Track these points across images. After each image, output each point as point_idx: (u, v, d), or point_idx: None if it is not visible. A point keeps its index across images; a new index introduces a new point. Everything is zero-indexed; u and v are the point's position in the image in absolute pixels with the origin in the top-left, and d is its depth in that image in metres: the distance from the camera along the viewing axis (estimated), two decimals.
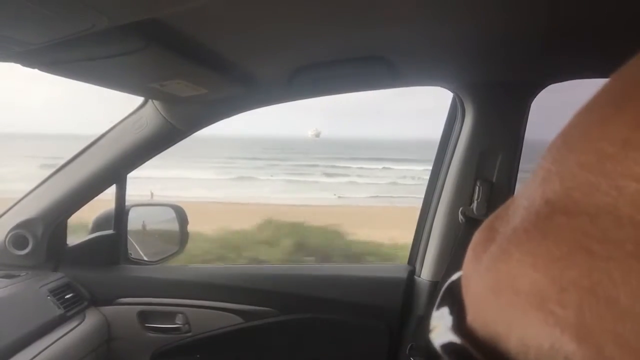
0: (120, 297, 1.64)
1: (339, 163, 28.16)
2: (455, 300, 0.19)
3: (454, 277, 0.21)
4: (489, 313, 0.17)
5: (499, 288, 0.16)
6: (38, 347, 1.27)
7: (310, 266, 1.85)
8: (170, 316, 1.64)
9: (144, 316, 1.64)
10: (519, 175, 1.59)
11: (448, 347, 0.18)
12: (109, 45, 0.88)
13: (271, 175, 24.18)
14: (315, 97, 1.59)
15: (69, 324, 1.44)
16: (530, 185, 0.18)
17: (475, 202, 1.55)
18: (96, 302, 1.61)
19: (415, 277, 1.67)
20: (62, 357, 1.33)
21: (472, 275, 0.19)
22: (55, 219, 1.57)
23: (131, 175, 1.64)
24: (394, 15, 0.94)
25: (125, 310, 1.63)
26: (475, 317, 0.17)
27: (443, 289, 0.21)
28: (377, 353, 1.64)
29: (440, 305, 0.20)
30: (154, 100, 1.50)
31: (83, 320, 1.51)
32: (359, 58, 1.24)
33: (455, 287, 0.20)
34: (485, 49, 1.20)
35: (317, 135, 47.01)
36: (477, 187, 1.56)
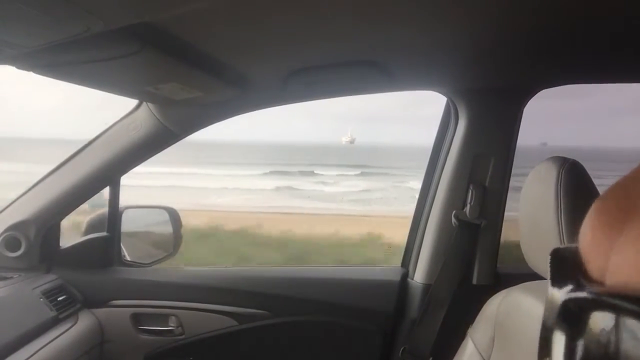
0: (114, 300, 1.63)
1: None
2: (579, 268, 0.21)
3: (554, 254, 0.23)
4: None
5: None
6: (30, 350, 1.26)
7: (304, 268, 1.85)
8: (163, 318, 1.64)
9: (137, 318, 1.63)
10: (512, 179, 1.60)
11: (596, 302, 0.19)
12: (104, 48, 0.88)
13: None
14: (309, 101, 1.60)
15: (61, 326, 1.43)
16: None
17: (468, 205, 1.57)
18: (89, 304, 1.60)
19: (409, 279, 1.67)
20: None
21: (614, 246, 0.20)
22: (48, 221, 1.56)
23: None
24: (388, 20, 0.94)
25: (119, 312, 1.63)
26: None
27: (553, 261, 0.23)
28: (370, 355, 1.64)
29: (560, 275, 0.22)
30: (148, 103, 1.50)
31: (76, 322, 1.50)
32: (353, 62, 1.25)
33: (574, 259, 0.22)
34: (478, 54, 1.21)
35: (352, 141, 45.79)
36: (470, 191, 1.57)
